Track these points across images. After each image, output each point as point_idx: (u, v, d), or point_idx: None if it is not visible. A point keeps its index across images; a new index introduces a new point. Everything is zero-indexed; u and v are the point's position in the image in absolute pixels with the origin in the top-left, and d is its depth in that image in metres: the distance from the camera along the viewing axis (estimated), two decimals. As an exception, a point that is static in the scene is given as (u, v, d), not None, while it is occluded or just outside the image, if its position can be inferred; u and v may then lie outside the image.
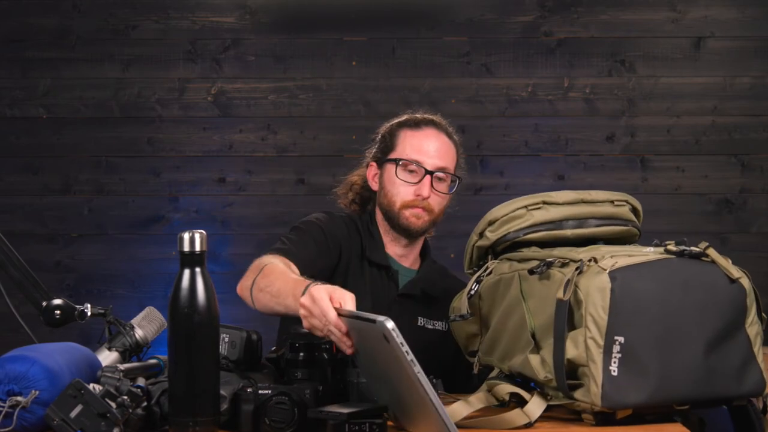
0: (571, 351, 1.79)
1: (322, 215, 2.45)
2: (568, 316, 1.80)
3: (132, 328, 2.12)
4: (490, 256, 2.11)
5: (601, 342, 1.77)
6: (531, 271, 1.91)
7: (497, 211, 2.08)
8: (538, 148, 4.21)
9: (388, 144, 2.46)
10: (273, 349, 2.01)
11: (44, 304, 2.10)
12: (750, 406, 1.93)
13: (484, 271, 2.07)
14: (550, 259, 1.90)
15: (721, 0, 4.21)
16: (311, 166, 4.19)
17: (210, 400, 1.65)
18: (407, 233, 2.43)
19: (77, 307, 2.12)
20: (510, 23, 4.20)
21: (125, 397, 1.62)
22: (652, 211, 4.17)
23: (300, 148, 4.19)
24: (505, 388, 1.90)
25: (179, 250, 1.67)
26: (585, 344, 1.78)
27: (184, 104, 4.20)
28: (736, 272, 1.88)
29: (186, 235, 1.67)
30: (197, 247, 1.67)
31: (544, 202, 2.06)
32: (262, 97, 4.20)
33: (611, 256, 1.83)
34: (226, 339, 1.85)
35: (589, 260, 1.83)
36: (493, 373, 2.02)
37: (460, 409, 1.84)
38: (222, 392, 1.69)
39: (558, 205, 2.06)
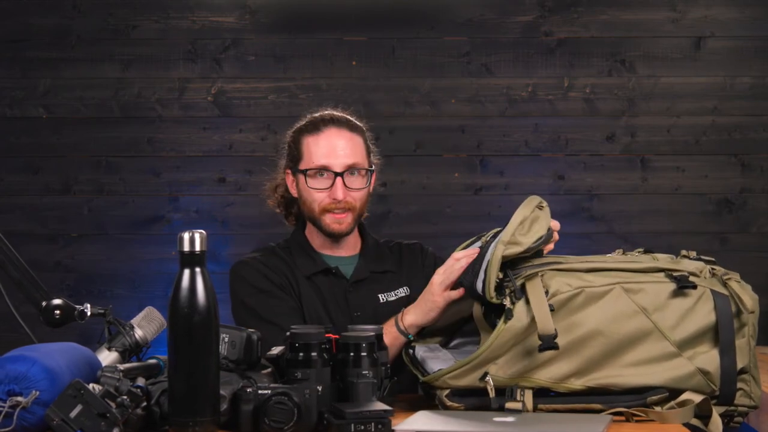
0: (742, 359, 1.89)
1: (250, 273, 2.41)
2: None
3: (132, 328, 2.11)
4: (503, 269, 1.86)
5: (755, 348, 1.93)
6: (682, 287, 1.87)
7: (520, 212, 1.90)
8: (538, 148, 4.20)
9: (294, 153, 2.43)
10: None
11: (44, 304, 2.10)
12: None
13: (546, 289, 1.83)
14: (681, 274, 1.90)
15: (721, 0, 4.21)
16: (311, 166, 4.18)
17: (210, 400, 1.65)
18: (333, 237, 2.42)
19: (77, 307, 2.11)
20: (510, 23, 4.20)
21: (125, 397, 1.62)
22: (652, 211, 4.18)
23: (300, 148, 4.18)
24: (694, 397, 1.87)
25: (179, 250, 1.67)
26: (751, 351, 1.90)
27: (184, 104, 4.20)
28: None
29: (186, 235, 1.67)
30: (197, 247, 1.67)
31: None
32: (262, 97, 4.20)
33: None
34: (226, 339, 1.85)
35: (709, 272, 1.93)
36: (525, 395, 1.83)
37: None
38: (222, 392, 1.68)
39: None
